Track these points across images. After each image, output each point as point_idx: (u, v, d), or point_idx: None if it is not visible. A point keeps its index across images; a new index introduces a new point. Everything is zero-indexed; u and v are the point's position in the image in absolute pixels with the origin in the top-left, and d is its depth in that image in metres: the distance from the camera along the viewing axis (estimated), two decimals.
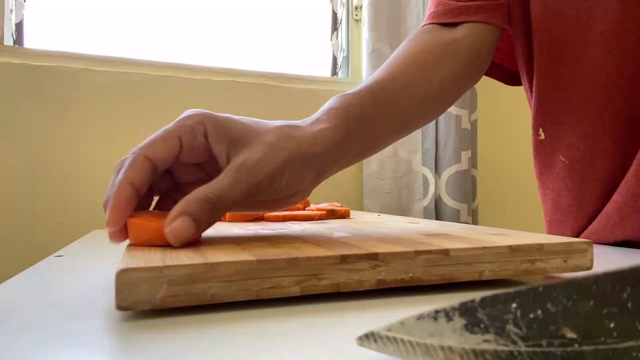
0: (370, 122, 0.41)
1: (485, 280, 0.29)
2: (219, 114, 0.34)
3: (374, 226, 0.44)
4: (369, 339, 0.18)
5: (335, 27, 1.35)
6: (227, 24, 1.24)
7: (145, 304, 0.22)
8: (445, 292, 0.28)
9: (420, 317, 0.19)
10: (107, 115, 1.02)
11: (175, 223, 0.28)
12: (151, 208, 0.36)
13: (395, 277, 0.27)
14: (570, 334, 0.18)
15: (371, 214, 0.66)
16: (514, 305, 0.19)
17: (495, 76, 0.65)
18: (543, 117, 0.56)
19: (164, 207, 0.36)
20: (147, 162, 0.32)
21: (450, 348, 0.18)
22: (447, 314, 0.18)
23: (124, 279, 0.22)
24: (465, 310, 0.18)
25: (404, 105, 0.45)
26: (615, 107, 0.50)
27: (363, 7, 1.25)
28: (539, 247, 0.30)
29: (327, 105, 0.39)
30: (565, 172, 0.55)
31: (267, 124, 0.35)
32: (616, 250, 0.48)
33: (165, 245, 0.29)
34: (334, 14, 1.35)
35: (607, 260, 0.42)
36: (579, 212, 0.55)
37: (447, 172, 1.23)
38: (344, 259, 0.26)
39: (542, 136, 0.56)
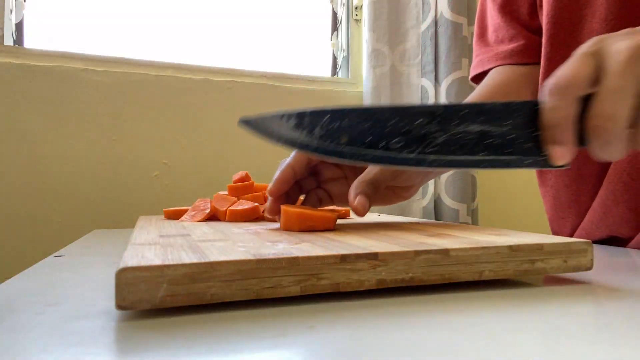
0: None
1: (485, 280, 0.29)
2: None
3: (373, 226, 0.44)
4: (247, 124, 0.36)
5: (335, 27, 1.35)
6: (227, 24, 1.24)
7: (145, 304, 0.22)
8: (445, 292, 0.28)
9: (274, 116, 0.35)
10: (107, 115, 1.02)
11: (357, 199, 0.43)
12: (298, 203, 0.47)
13: (395, 277, 0.27)
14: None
15: (371, 214, 0.66)
16: (327, 116, 0.34)
17: None
18: None
19: (309, 202, 0.48)
20: (304, 157, 0.45)
21: (279, 135, 0.35)
22: (287, 116, 0.35)
23: (124, 278, 0.22)
24: (299, 115, 0.34)
25: None
26: None
27: (363, 7, 1.25)
28: (539, 247, 0.30)
29: None
30: (563, 169, 0.56)
31: None
32: (616, 251, 0.48)
33: (306, 230, 0.38)
34: (334, 14, 1.35)
35: (607, 260, 0.42)
36: (578, 208, 0.57)
37: (447, 172, 1.23)
38: (343, 258, 0.26)
39: None
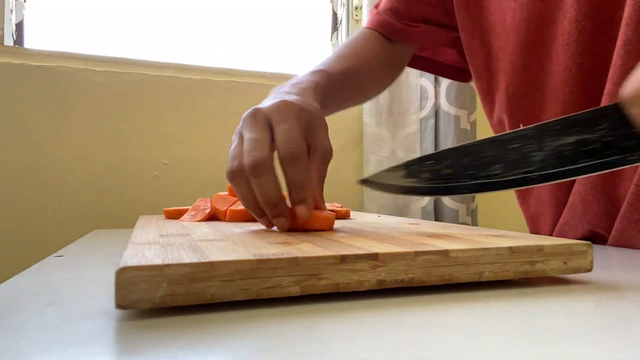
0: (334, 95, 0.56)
1: (485, 281, 0.29)
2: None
3: (373, 226, 0.44)
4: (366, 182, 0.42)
5: (335, 27, 1.35)
6: (228, 24, 1.24)
7: (145, 303, 0.23)
8: (445, 292, 0.28)
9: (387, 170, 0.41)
10: (107, 115, 1.02)
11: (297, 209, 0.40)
12: None
13: (395, 277, 0.27)
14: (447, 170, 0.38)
15: (371, 215, 0.66)
16: (430, 161, 0.39)
17: (446, 75, 0.80)
18: (519, 114, 0.60)
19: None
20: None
21: (393, 185, 0.40)
22: (395, 169, 0.40)
23: (124, 278, 0.22)
24: (406, 165, 0.39)
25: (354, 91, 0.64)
26: (577, 102, 0.53)
27: (363, 7, 1.25)
28: (539, 249, 0.30)
29: (306, 80, 0.51)
30: None
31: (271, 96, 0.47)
32: (616, 251, 0.48)
33: (305, 230, 0.39)
34: (334, 14, 1.35)
35: (607, 261, 0.42)
36: (557, 204, 0.58)
37: None
38: (343, 259, 0.26)
39: None
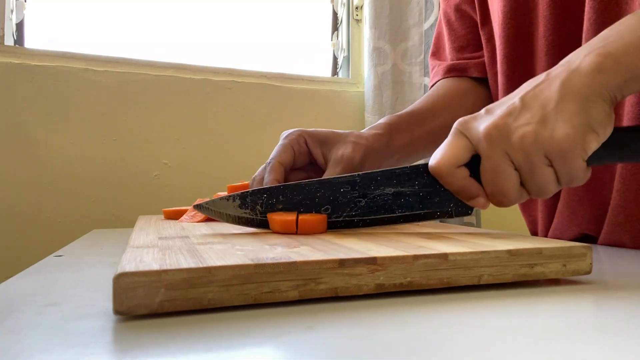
0: (405, 134, 0.58)
1: (484, 284, 0.30)
2: (309, 129, 0.53)
3: (373, 228, 0.44)
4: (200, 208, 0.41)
5: (335, 27, 1.35)
6: (228, 24, 1.24)
7: (143, 309, 0.22)
8: (443, 295, 0.28)
9: (221, 199, 0.40)
10: (107, 115, 1.02)
11: None
12: None
13: (394, 281, 0.27)
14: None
15: None
16: (265, 195, 0.40)
17: None
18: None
19: None
20: (280, 165, 0.49)
21: (227, 214, 0.40)
22: (232, 198, 0.40)
23: (122, 284, 0.22)
24: (242, 196, 0.40)
25: (430, 128, 0.62)
26: None
27: (364, 5, 1.25)
28: (538, 252, 0.30)
29: (380, 120, 0.58)
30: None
31: (342, 131, 0.53)
32: (615, 251, 0.48)
33: (286, 233, 0.39)
34: (335, 14, 1.35)
35: (606, 261, 0.42)
36: (547, 211, 0.60)
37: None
38: (342, 263, 0.26)
39: None
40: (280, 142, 0.52)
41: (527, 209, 0.67)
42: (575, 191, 0.55)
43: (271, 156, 0.50)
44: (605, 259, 0.44)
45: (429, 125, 0.62)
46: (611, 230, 0.52)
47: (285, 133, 0.53)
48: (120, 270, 0.23)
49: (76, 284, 0.31)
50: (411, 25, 1.24)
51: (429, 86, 0.73)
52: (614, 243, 0.53)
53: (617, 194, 0.50)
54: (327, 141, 0.52)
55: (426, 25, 1.22)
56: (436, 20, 1.19)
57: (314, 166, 0.53)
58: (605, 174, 0.52)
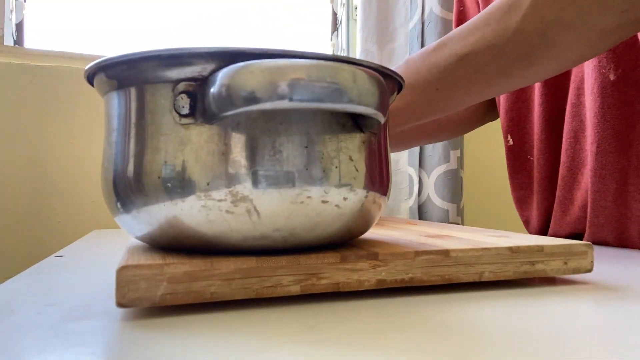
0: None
1: (485, 281, 0.29)
2: None
3: (373, 227, 0.44)
4: None
5: (335, 27, 1.35)
6: (227, 24, 1.24)
7: (145, 302, 0.23)
8: (445, 292, 0.28)
9: None
10: None
11: None
12: None
13: (395, 277, 0.27)
14: None
15: None
16: None
17: None
18: (509, 125, 0.66)
19: None
20: None
21: None
22: None
23: (125, 276, 0.22)
24: None
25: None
26: (558, 112, 0.59)
27: (357, 7, 1.26)
28: (539, 249, 0.30)
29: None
30: (534, 169, 0.64)
31: None
32: (616, 251, 0.48)
33: None
34: (334, 14, 1.35)
35: (607, 260, 0.42)
36: (542, 210, 0.62)
37: (436, 172, 1.22)
38: (344, 258, 0.26)
39: (511, 142, 0.67)
40: None
41: (520, 208, 0.69)
42: (568, 190, 0.57)
43: None
44: (606, 258, 0.44)
45: None
46: (594, 232, 0.54)
47: None
48: (123, 262, 0.23)
49: (76, 284, 0.31)
50: (398, 26, 1.23)
51: None
52: (599, 243, 0.54)
53: (594, 195, 0.52)
54: None
55: (411, 25, 1.21)
56: (419, 19, 1.19)
57: None
58: (580, 175, 0.55)
